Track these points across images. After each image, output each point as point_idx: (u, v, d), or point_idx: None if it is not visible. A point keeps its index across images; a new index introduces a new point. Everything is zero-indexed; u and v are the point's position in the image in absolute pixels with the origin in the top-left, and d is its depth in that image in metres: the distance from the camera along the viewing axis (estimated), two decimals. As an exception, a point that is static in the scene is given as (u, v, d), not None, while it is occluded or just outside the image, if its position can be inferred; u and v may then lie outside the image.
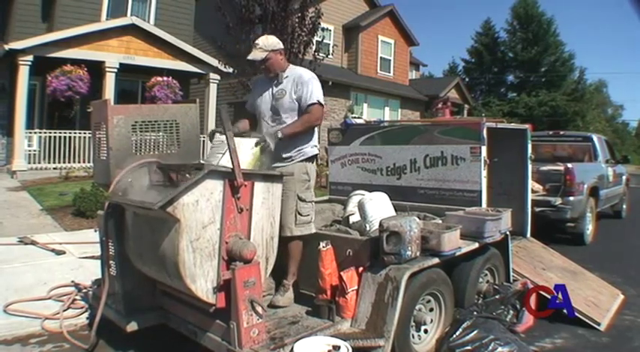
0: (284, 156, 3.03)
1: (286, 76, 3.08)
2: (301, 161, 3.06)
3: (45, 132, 11.16)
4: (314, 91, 2.99)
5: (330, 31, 17.34)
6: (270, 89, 3.12)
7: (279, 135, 2.86)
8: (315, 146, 3.15)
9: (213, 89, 13.45)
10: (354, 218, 3.76)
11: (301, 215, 2.99)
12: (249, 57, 3.05)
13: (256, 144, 2.77)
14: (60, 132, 11.19)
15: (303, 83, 3.01)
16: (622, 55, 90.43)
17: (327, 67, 15.02)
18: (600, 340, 3.52)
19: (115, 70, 11.58)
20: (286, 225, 2.94)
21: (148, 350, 3.10)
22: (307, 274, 3.00)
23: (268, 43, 3.03)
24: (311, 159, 3.11)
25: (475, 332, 2.92)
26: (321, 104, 3.01)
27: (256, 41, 3.04)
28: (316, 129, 3.16)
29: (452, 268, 3.30)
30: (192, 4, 14.63)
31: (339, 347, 2.33)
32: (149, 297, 2.95)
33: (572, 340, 3.50)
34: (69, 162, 11.11)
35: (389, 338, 2.56)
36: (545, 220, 6.29)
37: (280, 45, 3.09)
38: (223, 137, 2.89)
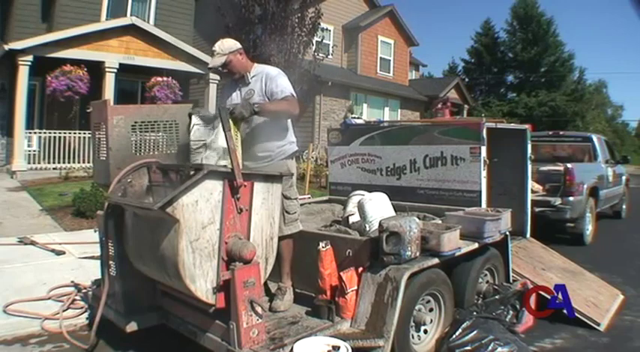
0: (261, 154, 2.98)
1: (253, 76, 3.04)
2: (282, 159, 3.04)
3: (45, 133, 11.16)
4: (285, 85, 2.95)
5: (329, 31, 17.35)
6: (239, 91, 3.09)
7: (256, 108, 2.75)
8: (293, 142, 3.13)
9: (212, 89, 13.44)
10: (354, 218, 3.77)
11: (289, 213, 2.99)
12: (210, 65, 3.03)
13: (231, 114, 2.63)
14: (60, 133, 11.18)
15: (271, 79, 2.97)
16: (622, 55, 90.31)
17: (327, 67, 15.03)
18: (600, 340, 3.52)
19: (115, 70, 11.57)
20: None
21: (148, 350, 3.10)
22: (306, 274, 3.00)
23: (225, 46, 2.98)
24: (291, 156, 3.10)
25: (475, 332, 2.92)
26: (294, 96, 2.97)
27: (213, 48, 3.00)
28: (291, 126, 3.13)
29: (452, 268, 3.30)
30: (192, 4, 14.63)
31: (338, 348, 2.33)
32: (149, 297, 2.95)
33: (572, 340, 3.50)
34: (69, 163, 11.10)
35: (388, 339, 2.56)
36: (545, 220, 6.29)
37: (238, 45, 3.04)
38: (195, 129, 2.82)
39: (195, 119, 2.85)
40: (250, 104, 2.76)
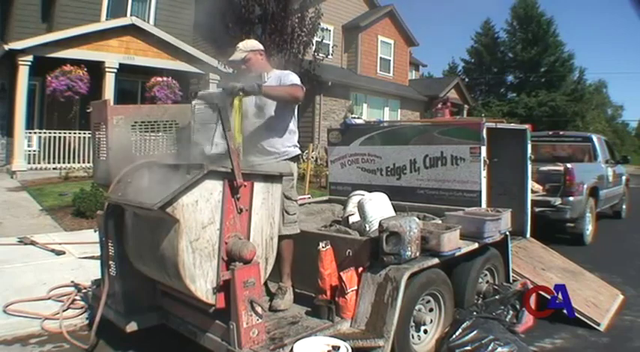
0: (269, 149, 3.04)
1: (270, 77, 3.13)
2: (287, 159, 3.10)
3: (45, 133, 11.16)
4: (294, 79, 3.08)
5: (329, 31, 17.34)
6: None
7: (261, 87, 2.79)
8: (297, 146, 3.22)
9: (212, 90, 13.42)
10: (354, 218, 3.77)
11: (288, 213, 3.02)
12: (230, 58, 3.15)
13: (234, 93, 2.69)
14: (60, 133, 11.18)
15: (284, 76, 3.11)
16: (622, 55, 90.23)
17: (327, 68, 15.02)
18: (600, 340, 3.52)
19: (115, 70, 11.58)
20: None
21: (148, 350, 3.10)
22: (307, 274, 3.00)
23: (248, 44, 3.15)
24: (294, 158, 3.18)
25: (475, 332, 2.92)
26: (302, 87, 3.04)
27: (237, 45, 3.15)
28: (297, 131, 3.21)
29: (452, 268, 3.30)
30: (192, 4, 14.62)
31: (338, 348, 2.33)
32: (149, 297, 2.95)
33: (572, 340, 3.50)
34: (69, 163, 11.11)
35: (388, 339, 2.56)
36: (545, 220, 6.29)
37: (260, 46, 3.19)
38: (197, 110, 2.91)
39: (196, 100, 2.92)
40: (254, 85, 2.77)
